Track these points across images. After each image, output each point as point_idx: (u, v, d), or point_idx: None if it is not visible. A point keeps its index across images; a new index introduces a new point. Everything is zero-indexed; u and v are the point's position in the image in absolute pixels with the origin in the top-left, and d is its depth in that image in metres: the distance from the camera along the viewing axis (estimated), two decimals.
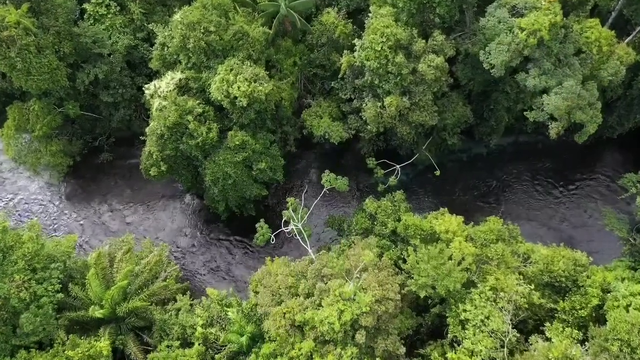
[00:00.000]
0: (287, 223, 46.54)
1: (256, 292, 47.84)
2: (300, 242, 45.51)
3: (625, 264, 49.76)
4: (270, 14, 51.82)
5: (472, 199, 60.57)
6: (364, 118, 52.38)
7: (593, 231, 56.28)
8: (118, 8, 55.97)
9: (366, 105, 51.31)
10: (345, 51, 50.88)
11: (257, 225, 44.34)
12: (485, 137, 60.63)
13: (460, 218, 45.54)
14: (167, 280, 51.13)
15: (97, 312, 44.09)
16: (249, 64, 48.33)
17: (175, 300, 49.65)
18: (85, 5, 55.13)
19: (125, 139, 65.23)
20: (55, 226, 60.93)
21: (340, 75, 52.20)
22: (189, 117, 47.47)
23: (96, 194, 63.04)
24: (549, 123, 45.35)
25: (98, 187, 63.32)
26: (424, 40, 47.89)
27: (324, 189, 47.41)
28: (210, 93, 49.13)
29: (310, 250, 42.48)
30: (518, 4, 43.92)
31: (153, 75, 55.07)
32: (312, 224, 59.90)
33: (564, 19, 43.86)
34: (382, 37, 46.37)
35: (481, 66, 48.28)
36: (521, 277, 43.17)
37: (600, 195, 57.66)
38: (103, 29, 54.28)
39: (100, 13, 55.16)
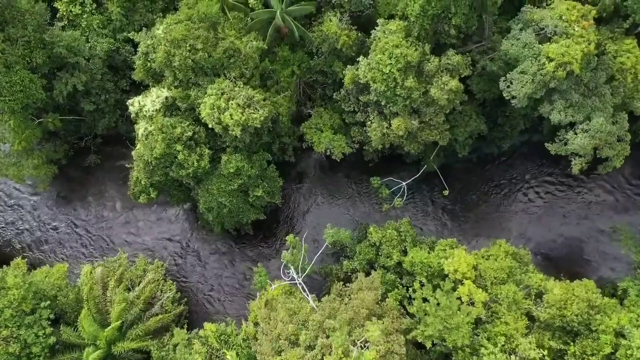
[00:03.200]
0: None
1: (256, 323, 46.39)
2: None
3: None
4: (264, 21, 46.05)
5: (481, 206, 57.46)
6: (368, 132, 48.22)
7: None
8: (94, 6, 49.75)
9: (371, 123, 46.99)
10: (348, 67, 45.71)
11: (254, 270, 41.78)
12: (498, 141, 56.49)
13: (471, 258, 42.92)
14: (164, 304, 49.57)
15: (91, 356, 42.69)
16: (241, 85, 43.51)
17: (174, 327, 48.36)
18: (57, 5, 48.95)
19: (113, 137, 60.87)
20: (43, 238, 58.41)
21: (344, 87, 47.28)
22: (178, 147, 43.42)
23: (84, 200, 59.91)
24: (572, 158, 41.42)
25: (86, 193, 60.04)
26: (437, 59, 42.72)
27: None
28: (199, 113, 44.70)
29: (310, 299, 40.21)
30: (547, 26, 38.45)
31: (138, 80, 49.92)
32: (311, 225, 57.76)
33: (597, 30, 38.59)
34: (390, 59, 41.24)
35: (499, 79, 43.72)
36: (532, 322, 41.69)
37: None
38: (79, 32, 48.46)
39: (74, 13, 49.12)
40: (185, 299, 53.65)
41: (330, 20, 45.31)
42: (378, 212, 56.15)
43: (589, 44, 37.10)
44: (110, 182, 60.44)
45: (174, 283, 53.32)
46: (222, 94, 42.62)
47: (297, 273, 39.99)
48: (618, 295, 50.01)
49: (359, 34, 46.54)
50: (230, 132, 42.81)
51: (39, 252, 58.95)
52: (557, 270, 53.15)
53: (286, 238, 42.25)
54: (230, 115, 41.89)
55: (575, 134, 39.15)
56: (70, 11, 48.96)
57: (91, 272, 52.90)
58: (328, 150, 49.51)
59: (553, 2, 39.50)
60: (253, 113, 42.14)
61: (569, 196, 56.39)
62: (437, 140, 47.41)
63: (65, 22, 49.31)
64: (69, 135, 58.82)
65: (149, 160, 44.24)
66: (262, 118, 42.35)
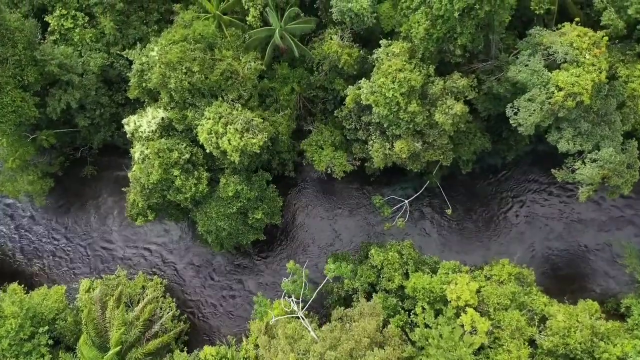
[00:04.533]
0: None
1: (256, 345, 46.08)
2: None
3: None
4: (263, 38, 44.41)
5: (484, 217, 56.59)
6: (369, 150, 47.05)
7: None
8: (87, 19, 47.95)
9: (373, 143, 45.77)
10: (349, 87, 44.24)
11: (254, 299, 41.19)
12: (502, 153, 55.28)
13: (474, 285, 42.29)
14: (165, 323, 49.24)
15: None
16: (239, 108, 42.18)
17: (175, 344, 48.17)
18: (48, 19, 47.16)
19: (110, 147, 59.46)
20: (39, 253, 57.75)
21: (345, 107, 45.84)
22: (175, 171, 42.35)
23: (82, 212, 59.03)
24: (579, 186, 40.36)
25: (83, 205, 59.12)
26: (442, 81, 41.28)
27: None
28: (197, 134, 43.47)
29: (310, 329, 39.68)
30: (557, 52, 36.91)
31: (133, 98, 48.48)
32: (310, 225, 56.93)
33: (608, 50, 37.10)
34: (393, 83, 39.81)
35: (505, 98, 42.44)
36: (534, 348, 41.32)
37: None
38: (71, 48, 46.74)
39: (66, 27, 47.35)
40: (185, 315, 53.31)
41: (331, 39, 43.63)
42: (380, 223, 55.44)
43: (600, 73, 35.69)
44: (107, 194, 59.47)
45: (174, 300, 52.92)
46: (220, 118, 41.34)
47: (298, 304, 39.32)
48: (621, 312, 49.87)
49: (361, 51, 44.91)
50: (228, 157, 41.67)
51: (35, 264, 58.46)
52: (560, 282, 52.96)
53: (286, 265, 41.44)
54: (229, 140, 40.71)
55: (584, 163, 37.99)
56: (62, 25, 47.19)
57: (89, 289, 52.59)
58: (329, 169, 48.40)
59: (564, 26, 37.91)
60: (252, 138, 40.93)
61: (573, 207, 55.57)
62: (440, 160, 46.29)
63: (57, 36, 47.54)
64: (65, 146, 57.64)
65: (146, 185, 43.23)
66: (260, 143, 41.19)
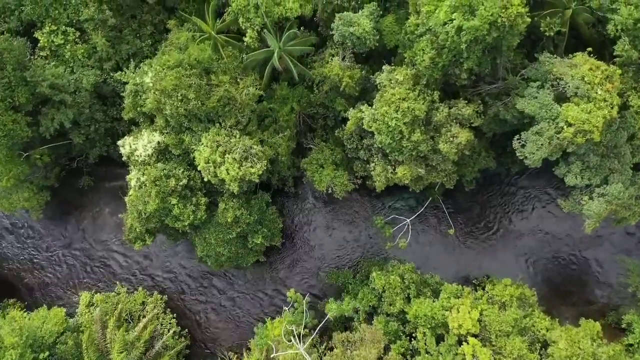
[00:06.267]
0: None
1: None
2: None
3: None
4: (261, 60, 42.74)
5: (484, 230, 55.87)
6: (371, 171, 46.00)
7: None
8: (78, 34, 46.03)
9: (375, 166, 44.66)
10: (350, 109, 42.82)
11: (255, 330, 40.94)
12: (507, 164, 54.17)
13: (475, 313, 42.00)
14: (166, 341, 49.29)
15: None
16: (237, 135, 40.92)
17: None
18: (37, 35, 45.25)
19: (106, 157, 58.41)
20: (37, 264, 57.35)
21: (346, 131, 44.47)
22: (173, 200, 41.43)
23: (80, 224, 58.39)
24: (585, 218, 39.48)
25: (81, 217, 58.41)
26: (446, 108, 39.87)
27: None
28: (194, 158, 42.37)
29: None
30: (567, 85, 35.41)
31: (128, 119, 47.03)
32: (311, 234, 56.36)
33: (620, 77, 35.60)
34: (397, 112, 38.44)
35: (511, 120, 41.20)
36: None
37: None
38: (62, 68, 44.88)
39: (56, 43, 45.49)
40: (186, 330, 53.34)
41: (332, 60, 41.92)
42: (381, 233, 54.89)
43: (612, 108, 34.34)
44: (105, 205, 58.63)
45: (174, 316, 52.84)
46: (218, 146, 40.14)
47: (299, 338, 39.06)
48: (621, 326, 49.93)
49: (363, 71, 43.26)
50: (227, 185, 40.69)
51: (33, 275, 58.24)
52: (562, 293, 52.84)
53: (287, 294, 41.00)
54: (227, 170, 39.65)
55: (591, 198, 37.01)
56: (52, 41, 45.33)
57: (90, 304, 52.47)
58: (329, 189, 47.42)
59: (575, 56, 36.28)
60: (251, 167, 39.85)
61: (576, 220, 54.82)
62: (444, 183, 45.33)
63: (48, 52, 45.72)
64: (60, 157, 56.39)
65: (143, 212, 42.38)
66: (260, 172, 40.13)
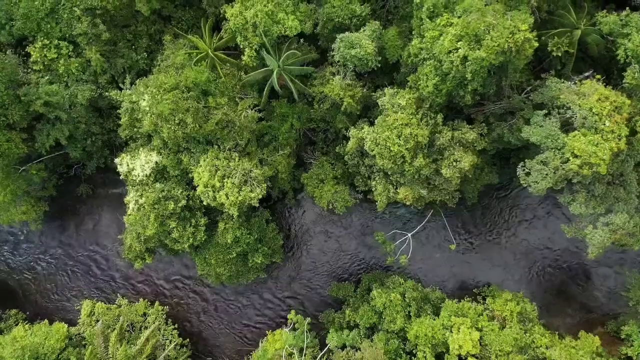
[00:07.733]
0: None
1: None
2: None
3: None
4: (260, 79, 41.61)
5: (485, 238, 55.59)
6: (372, 188, 45.39)
7: None
8: (71, 48, 44.68)
9: (376, 185, 44.01)
10: (352, 128, 41.89)
11: (256, 351, 40.94)
12: (510, 174, 53.48)
13: (477, 335, 42.02)
14: (169, 353, 49.58)
15: None
16: (236, 158, 40.14)
17: None
18: (30, 50, 43.92)
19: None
20: (37, 272, 57.25)
21: (347, 151, 43.59)
22: (172, 223, 40.96)
23: (79, 232, 57.95)
24: (588, 244, 39.04)
25: (79, 226, 57.92)
26: (450, 131, 38.98)
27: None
28: (193, 177, 41.71)
29: None
30: (575, 115, 34.47)
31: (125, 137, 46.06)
32: (313, 243, 56.28)
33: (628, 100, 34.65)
34: (399, 138, 37.57)
35: (515, 140, 40.44)
36: None
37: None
38: (56, 85, 43.62)
39: (49, 58, 44.20)
40: (188, 339, 53.61)
41: (333, 79, 40.73)
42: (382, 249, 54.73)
43: (620, 140, 33.50)
44: (104, 212, 58.12)
45: (175, 326, 53.02)
46: (216, 170, 39.43)
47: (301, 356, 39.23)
48: (621, 337, 50.21)
49: (365, 89, 42.16)
50: (226, 209, 40.15)
51: (34, 284, 58.29)
52: (563, 301, 53.03)
53: (289, 316, 40.95)
54: (226, 195, 39.05)
55: (595, 227, 36.51)
56: (45, 56, 44.04)
57: (91, 313, 52.61)
58: (330, 204, 46.91)
59: (584, 84, 35.18)
60: (250, 192, 39.24)
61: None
62: (446, 201, 44.77)
63: (41, 67, 44.47)
64: (57, 165, 55.62)
65: (142, 235, 41.98)
66: (259, 197, 39.52)
